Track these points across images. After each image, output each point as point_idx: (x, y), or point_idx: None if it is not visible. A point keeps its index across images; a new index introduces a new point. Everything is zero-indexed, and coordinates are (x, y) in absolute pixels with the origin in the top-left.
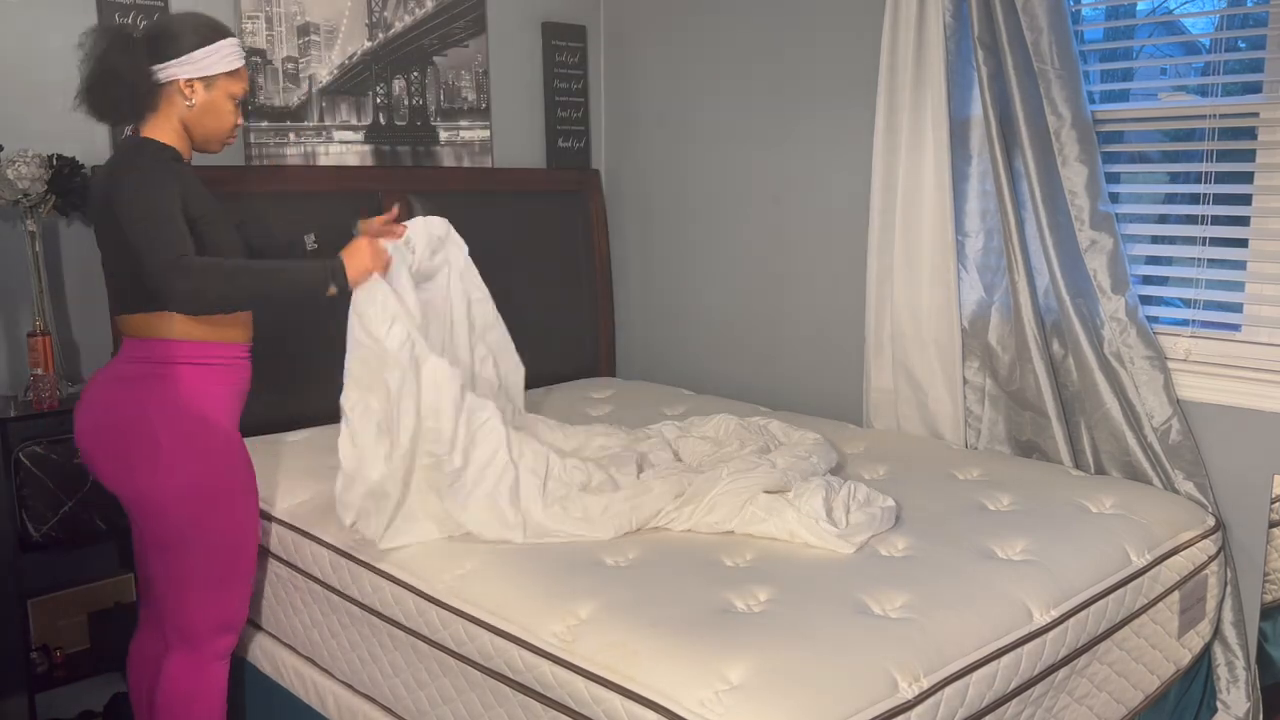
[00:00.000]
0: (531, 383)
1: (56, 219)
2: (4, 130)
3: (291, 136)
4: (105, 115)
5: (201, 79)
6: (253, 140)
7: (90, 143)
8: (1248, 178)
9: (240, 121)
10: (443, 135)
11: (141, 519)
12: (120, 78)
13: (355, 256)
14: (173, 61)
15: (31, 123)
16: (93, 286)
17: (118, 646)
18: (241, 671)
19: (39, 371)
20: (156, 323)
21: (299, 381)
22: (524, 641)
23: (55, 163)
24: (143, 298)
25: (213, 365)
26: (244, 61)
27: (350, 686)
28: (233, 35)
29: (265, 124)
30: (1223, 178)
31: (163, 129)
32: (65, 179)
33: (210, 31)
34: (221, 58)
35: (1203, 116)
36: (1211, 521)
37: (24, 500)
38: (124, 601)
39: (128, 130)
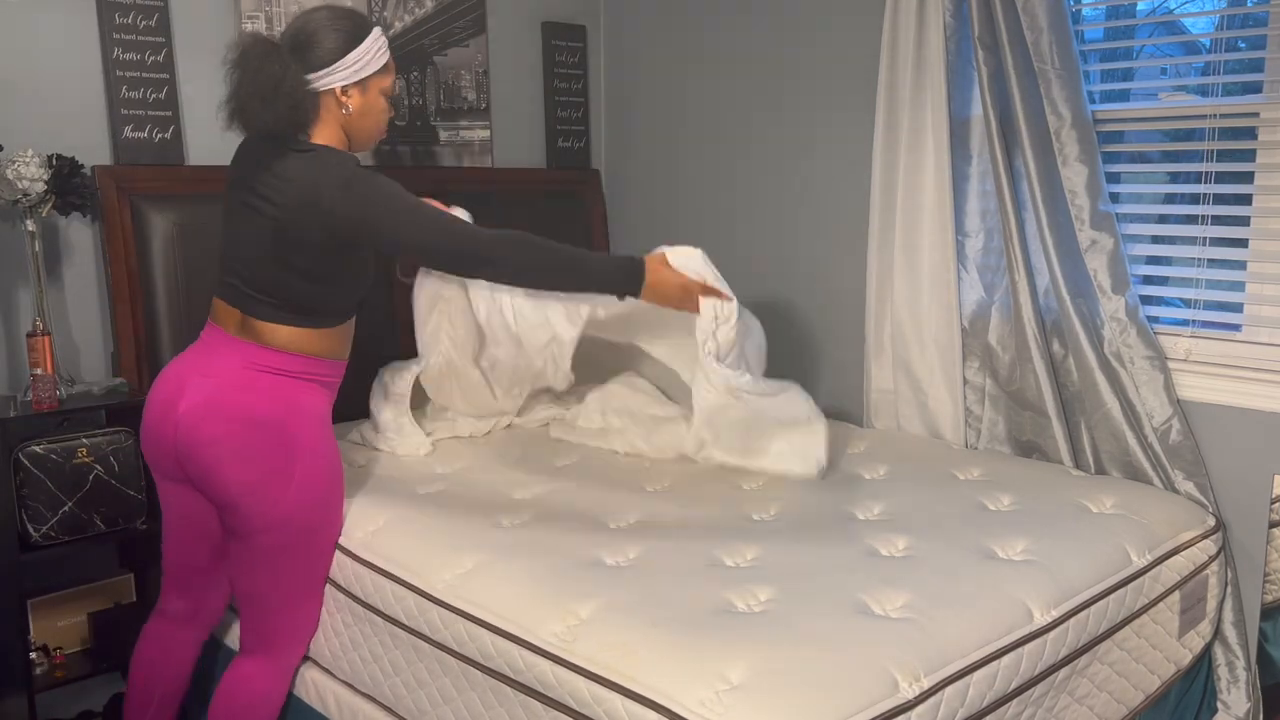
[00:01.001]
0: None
1: (56, 219)
2: (4, 130)
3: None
4: (264, 128)
5: (356, 83)
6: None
7: (90, 143)
8: (1248, 178)
9: (393, 112)
10: (443, 135)
11: (255, 530)
12: (280, 92)
13: (662, 286)
14: (324, 71)
15: (31, 122)
16: (93, 286)
17: (118, 646)
18: None
19: (39, 371)
20: (301, 339)
21: None
22: (524, 641)
23: (55, 162)
24: (300, 310)
25: (329, 384)
26: (389, 52)
27: (351, 686)
28: (375, 25)
29: None
30: (1223, 178)
31: (330, 135)
32: (65, 179)
33: (355, 29)
34: (372, 57)
35: (1203, 116)
36: (1212, 521)
37: (24, 500)
38: (124, 601)
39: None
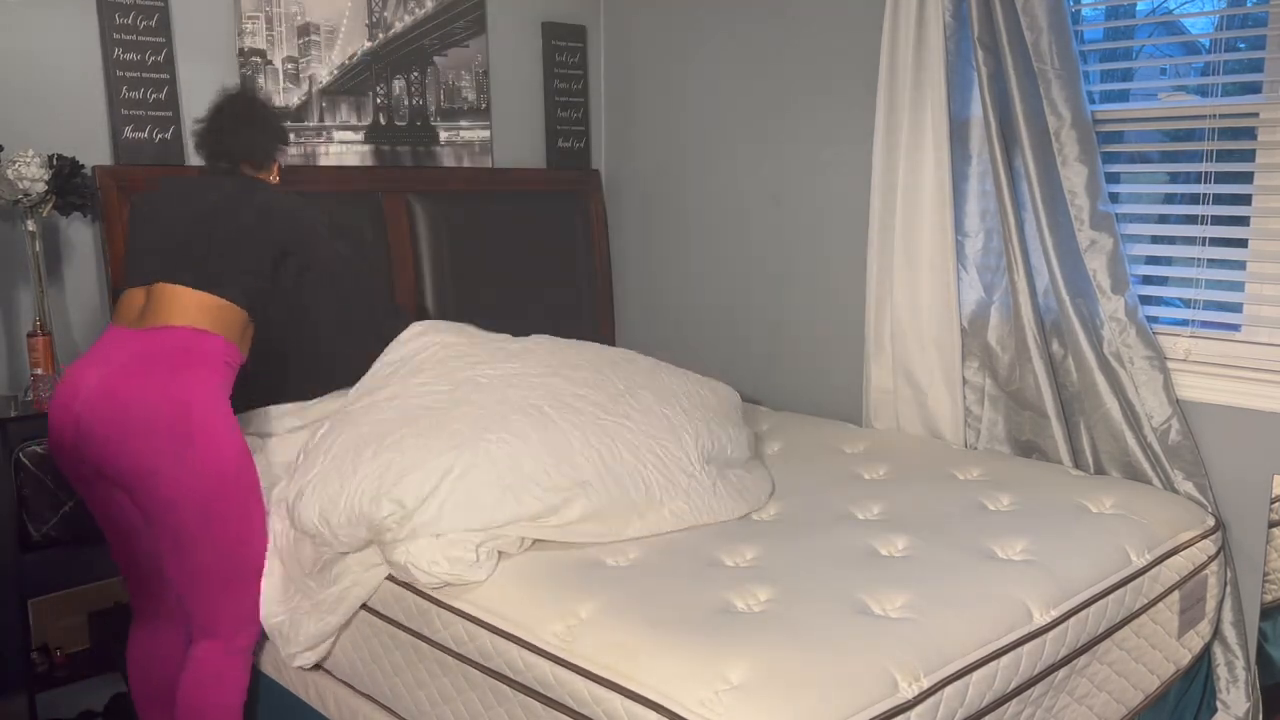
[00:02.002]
0: None
1: (57, 219)
2: (4, 130)
3: (292, 137)
4: (231, 160)
5: (280, 165)
6: None
7: (91, 143)
8: (1248, 178)
9: None
10: (443, 135)
11: (159, 511)
12: (265, 138)
13: None
14: (281, 149)
15: (31, 123)
16: (93, 286)
17: (118, 646)
18: None
19: (39, 371)
20: (222, 315)
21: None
22: (524, 641)
23: (55, 163)
24: (233, 288)
25: (234, 371)
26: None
27: (350, 686)
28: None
29: None
30: (1222, 178)
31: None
32: (65, 179)
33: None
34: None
35: (1202, 116)
36: (1211, 521)
37: (24, 500)
38: (124, 601)
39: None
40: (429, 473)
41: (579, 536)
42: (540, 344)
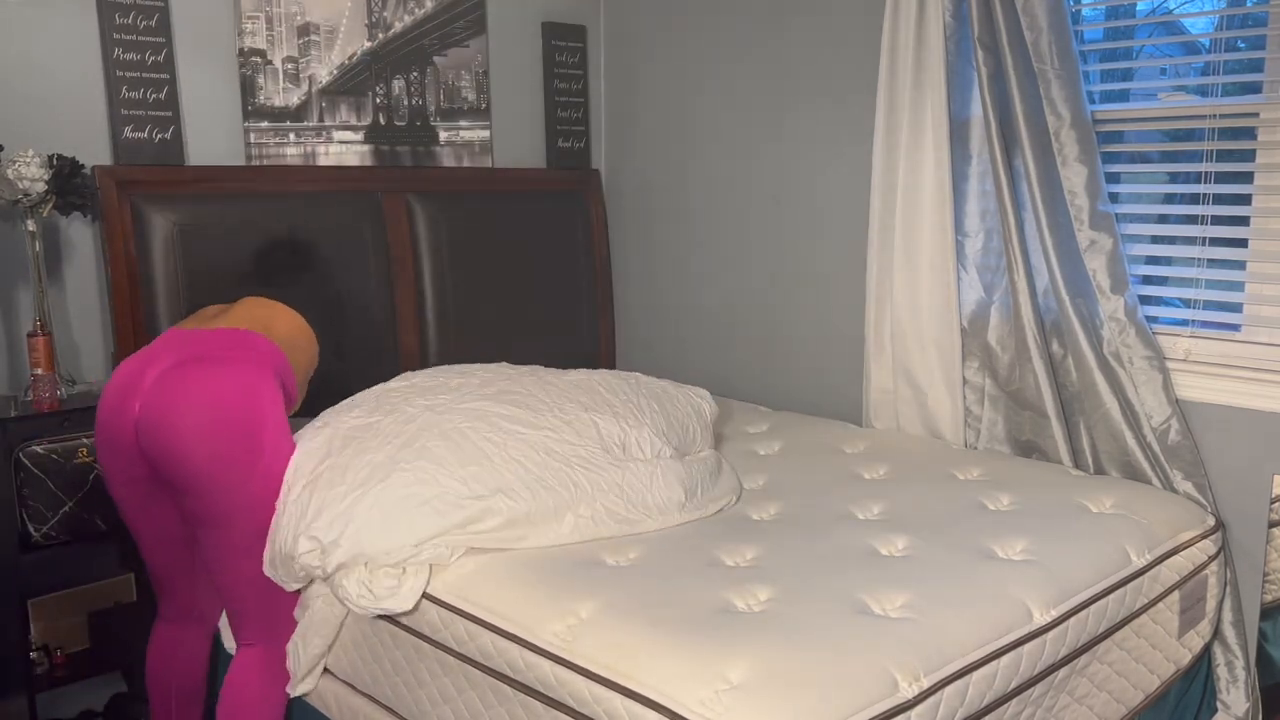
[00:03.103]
0: None
1: (57, 219)
2: (4, 130)
3: (291, 136)
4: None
5: None
6: (252, 140)
7: (90, 143)
8: (1248, 178)
9: None
10: (443, 135)
11: (218, 518)
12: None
13: None
14: None
15: (32, 122)
16: (92, 286)
17: (118, 646)
18: None
19: (39, 371)
20: (281, 319)
21: None
22: (525, 641)
23: (55, 163)
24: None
25: (281, 383)
26: None
27: (351, 685)
28: None
29: (265, 124)
30: (1222, 178)
31: None
32: (65, 179)
33: None
34: None
35: (1202, 116)
36: (1212, 521)
37: (24, 500)
38: (124, 601)
39: None
40: (343, 505)
41: (511, 541)
42: (484, 371)
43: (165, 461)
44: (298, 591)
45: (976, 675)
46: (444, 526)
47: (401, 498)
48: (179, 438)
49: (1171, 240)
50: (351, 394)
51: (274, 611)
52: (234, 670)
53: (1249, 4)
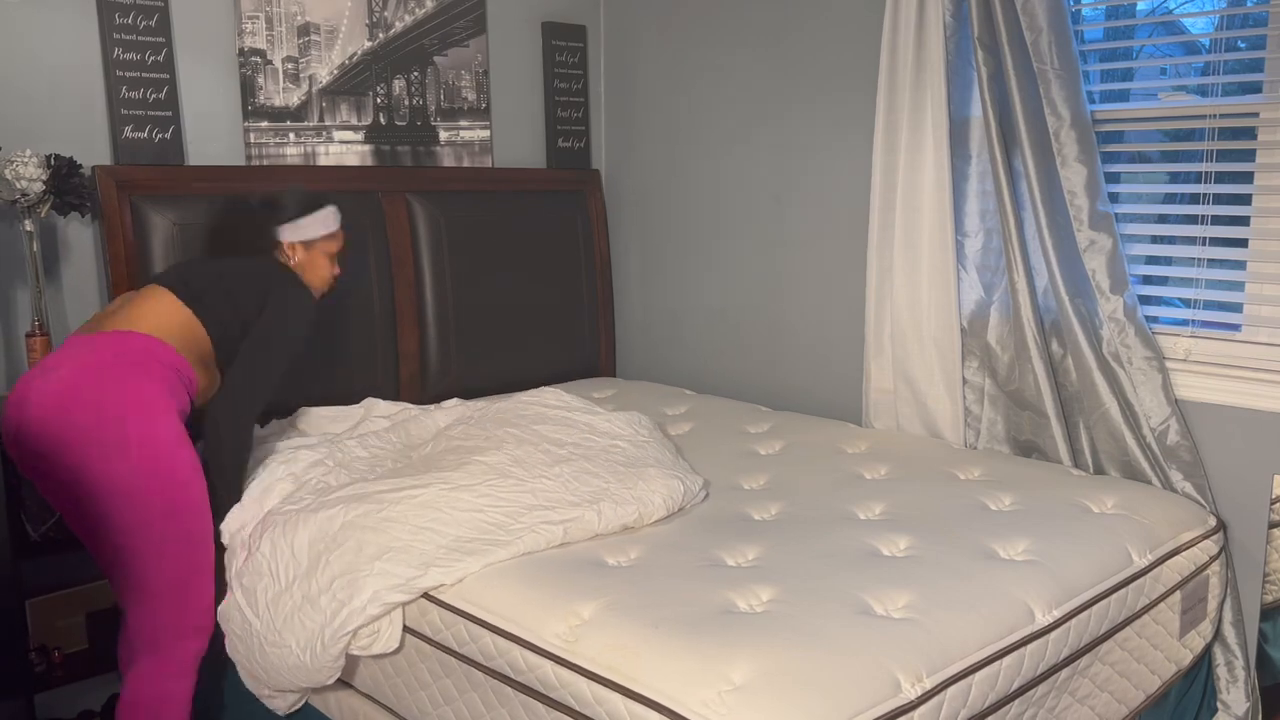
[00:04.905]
0: (532, 383)
1: (55, 219)
2: (4, 130)
3: (291, 136)
4: (225, 252)
5: (301, 242)
6: (252, 140)
7: (90, 143)
8: (1248, 178)
9: (338, 271)
10: (443, 135)
11: (96, 520)
12: (242, 234)
13: None
14: (281, 227)
15: (30, 122)
16: (91, 286)
17: (116, 646)
18: None
19: None
20: (190, 330)
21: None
22: (526, 642)
23: (53, 163)
24: (212, 313)
25: (184, 384)
26: (339, 224)
27: (351, 686)
28: (331, 205)
29: (265, 124)
30: (1222, 178)
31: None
32: (63, 179)
33: (310, 202)
34: (320, 224)
35: (1202, 116)
36: (1213, 521)
37: (22, 501)
38: None
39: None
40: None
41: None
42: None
43: (39, 454)
44: (194, 594)
45: (979, 676)
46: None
47: (398, 582)
48: (37, 414)
49: (1171, 240)
50: (351, 394)
51: (167, 613)
52: (129, 687)
53: (1249, 4)
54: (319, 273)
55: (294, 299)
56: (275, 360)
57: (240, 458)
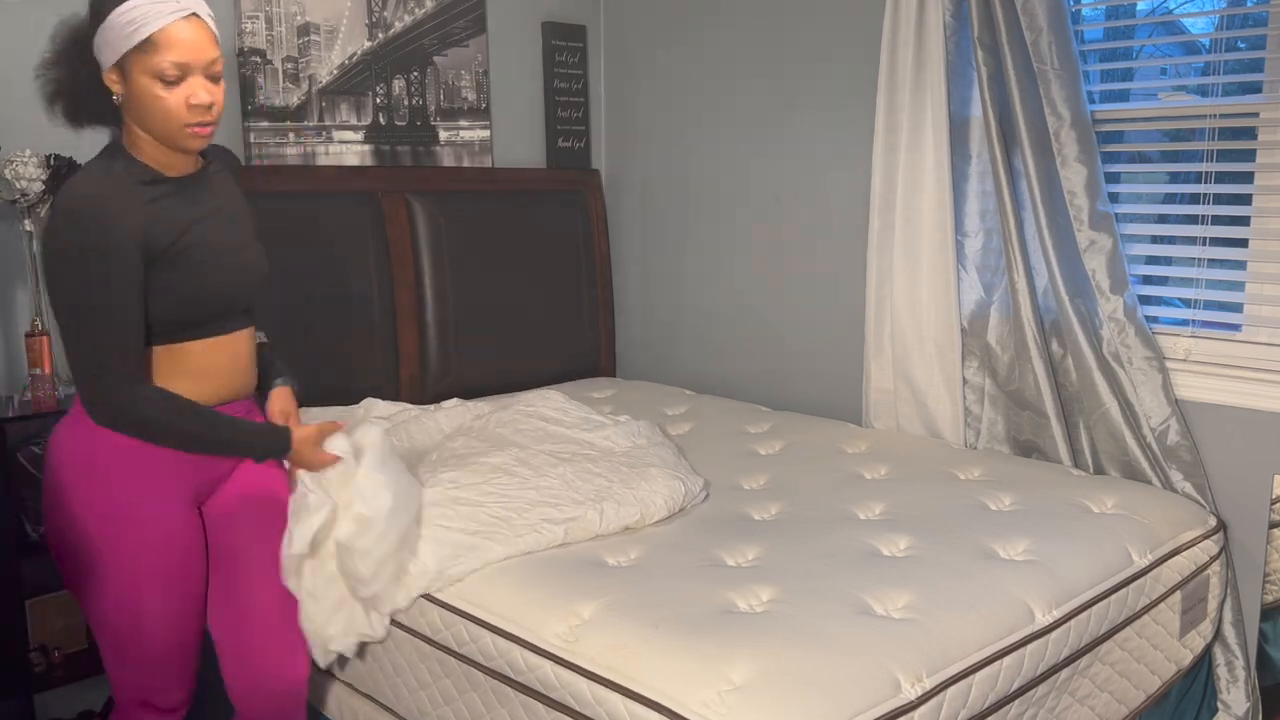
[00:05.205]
0: (532, 383)
1: None
2: (2, 130)
3: (291, 136)
4: (77, 122)
5: (115, 66)
6: (253, 140)
7: (87, 143)
8: (1248, 178)
9: (198, 100)
10: (443, 135)
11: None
12: (61, 79)
13: (300, 460)
14: (95, 50)
15: (29, 122)
16: None
17: None
18: None
19: (37, 372)
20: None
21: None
22: (526, 642)
23: (53, 162)
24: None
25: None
26: (167, 19)
27: (352, 686)
28: None
29: (265, 124)
30: (1223, 178)
31: (132, 134)
32: (62, 179)
33: None
34: (119, 32)
35: (1203, 116)
36: (1213, 522)
37: (22, 501)
38: None
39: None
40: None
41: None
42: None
43: None
44: (128, 667)
45: (979, 676)
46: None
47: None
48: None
49: (1171, 240)
50: (351, 394)
51: (115, 673)
52: None
53: (1249, 4)
54: (155, 114)
55: (48, 234)
56: (70, 318)
57: (181, 423)
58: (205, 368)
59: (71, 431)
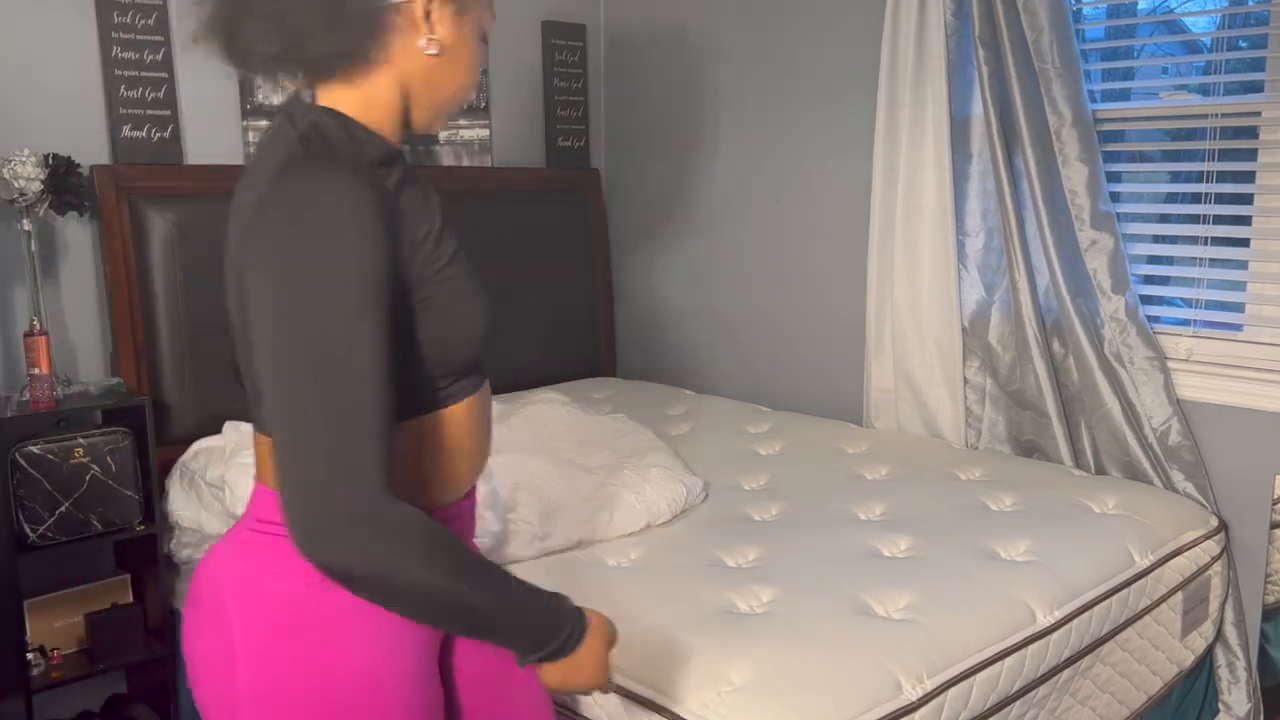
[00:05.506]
0: (532, 383)
1: (53, 218)
2: (2, 129)
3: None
4: (279, 66)
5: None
6: (251, 139)
7: (89, 142)
8: (1249, 177)
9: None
10: (442, 135)
11: None
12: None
13: (583, 665)
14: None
15: (29, 121)
16: (89, 286)
17: (115, 647)
18: None
19: (36, 371)
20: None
21: None
22: None
23: (51, 162)
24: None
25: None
26: None
27: None
28: None
29: (264, 123)
30: (1224, 177)
31: (364, 97)
32: (61, 178)
33: None
34: None
35: (1204, 116)
36: (1215, 522)
37: (20, 501)
38: (121, 602)
39: (294, 94)
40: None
41: None
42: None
43: None
44: None
45: (980, 677)
46: None
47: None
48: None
49: (1173, 240)
50: None
51: None
52: None
53: (1250, 3)
54: (467, 75)
55: (294, 218)
56: (321, 375)
57: (441, 557)
58: (459, 441)
59: (284, 584)
